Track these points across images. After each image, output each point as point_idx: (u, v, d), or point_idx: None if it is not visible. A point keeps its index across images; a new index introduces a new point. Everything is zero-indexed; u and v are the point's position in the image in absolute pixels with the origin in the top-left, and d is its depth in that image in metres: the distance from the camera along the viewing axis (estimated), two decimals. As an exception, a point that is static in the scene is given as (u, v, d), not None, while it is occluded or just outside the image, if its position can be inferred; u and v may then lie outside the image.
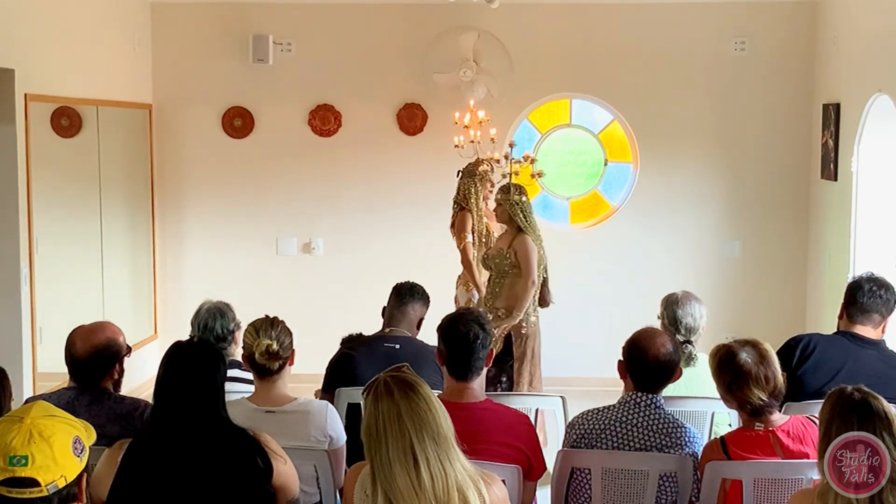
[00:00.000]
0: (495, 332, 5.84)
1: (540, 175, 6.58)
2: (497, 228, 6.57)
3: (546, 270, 6.03)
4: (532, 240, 5.89)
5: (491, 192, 6.58)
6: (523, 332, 5.95)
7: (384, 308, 4.81)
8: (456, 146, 6.86)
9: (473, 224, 6.49)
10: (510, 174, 6.28)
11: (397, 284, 4.83)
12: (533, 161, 6.45)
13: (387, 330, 4.71)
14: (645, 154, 8.05)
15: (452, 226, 6.65)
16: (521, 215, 5.89)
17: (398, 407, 2.51)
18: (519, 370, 5.98)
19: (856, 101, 6.78)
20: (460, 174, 6.61)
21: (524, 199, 5.93)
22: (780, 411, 3.47)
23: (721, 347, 3.49)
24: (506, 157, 6.33)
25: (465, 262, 6.49)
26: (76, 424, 2.22)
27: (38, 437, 2.11)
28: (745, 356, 3.40)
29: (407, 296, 4.74)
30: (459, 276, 6.63)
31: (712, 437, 4.26)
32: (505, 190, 6.01)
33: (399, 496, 2.47)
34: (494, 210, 6.12)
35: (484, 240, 6.58)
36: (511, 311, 5.91)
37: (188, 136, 8.14)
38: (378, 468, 2.51)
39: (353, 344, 4.63)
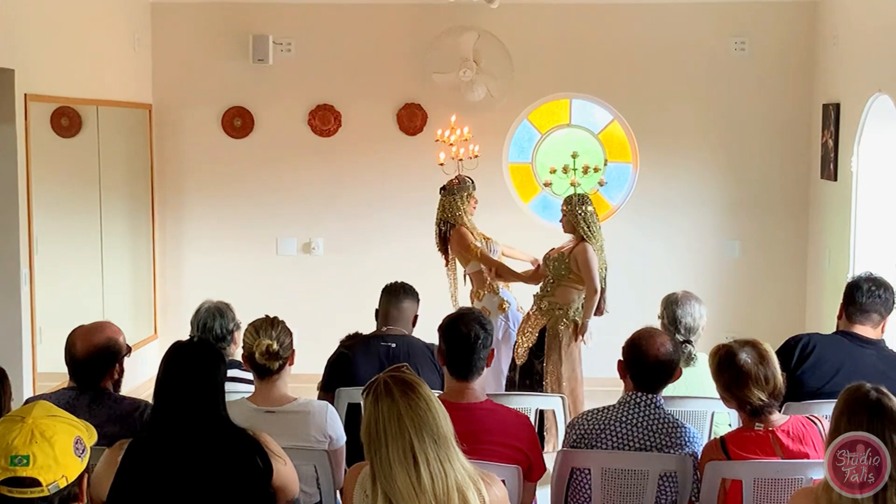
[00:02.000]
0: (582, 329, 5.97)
1: (601, 184, 6.51)
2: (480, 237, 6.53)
3: (605, 280, 6.03)
4: (594, 249, 5.92)
5: (475, 207, 6.57)
6: (560, 327, 5.97)
7: (377, 311, 4.81)
8: (440, 164, 6.80)
9: (474, 236, 6.47)
10: (574, 185, 6.21)
11: (388, 285, 4.84)
12: (596, 170, 6.39)
13: (384, 329, 4.71)
14: (645, 154, 8.05)
15: (442, 245, 6.57)
16: (584, 225, 5.94)
17: (398, 407, 2.51)
18: (548, 368, 5.99)
19: (856, 101, 6.78)
20: (443, 192, 6.57)
21: (588, 208, 5.96)
22: (779, 411, 3.47)
23: (721, 347, 3.49)
24: (564, 170, 6.25)
25: (490, 261, 6.42)
26: (77, 425, 2.22)
27: (40, 437, 2.12)
28: (745, 356, 3.40)
29: (400, 294, 4.75)
30: (473, 292, 6.51)
31: (712, 437, 4.27)
32: (568, 201, 6.02)
33: (399, 496, 2.47)
34: (560, 220, 6.10)
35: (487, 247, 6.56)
36: (554, 309, 5.98)
37: (188, 136, 8.14)
38: (378, 468, 2.51)
39: (350, 343, 4.64)
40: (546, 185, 6.49)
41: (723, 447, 3.40)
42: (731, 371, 3.41)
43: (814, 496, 2.65)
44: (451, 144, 6.83)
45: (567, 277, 5.98)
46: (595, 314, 6.05)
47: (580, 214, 5.95)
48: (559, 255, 6.04)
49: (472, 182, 6.55)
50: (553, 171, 6.28)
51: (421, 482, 2.47)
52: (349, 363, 4.49)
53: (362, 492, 2.59)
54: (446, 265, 6.60)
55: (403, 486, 2.46)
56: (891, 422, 2.58)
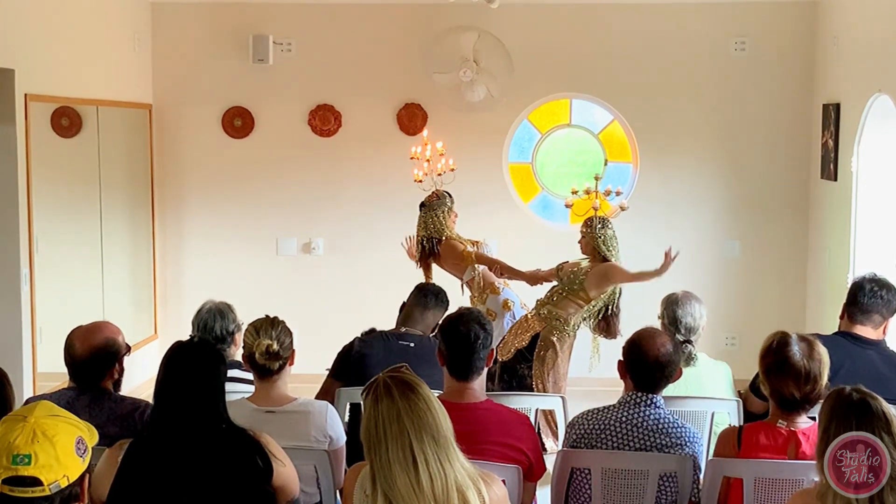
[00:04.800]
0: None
1: (623, 208, 6.48)
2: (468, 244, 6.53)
3: (617, 304, 6.01)
4: None
5: (455, 221, 6.58)
6: (553, 338, 5.97)
7: (403, 303, 4.83)
8: (417, 181, 6.80)
9: (463, 243, 6.49)
10: (595, 207, 6.18)
11: (422, 285, 4.89)
12: (618, 194, 6.35)
13: (402, 329, 4.75)
14: (645, 154, 8.05)
15: (423, 261, 6.57)
16: (604, 248, 5.92)
17: (397, 407, 2.51)
18: (534, 372, 6.00)
19: (856, 101, 6.78)
20: (422, 209, 6.57)
21: (608, 232, 5.95)
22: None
23: (778, 332, 3.45)
24: (587, 192, 6.21)
25: (489, 259, 6.45)
26: (79, 425, 2.22)
27: (42, 437, 2.12)
28: (797, 347, 3.36)
29: (432, 301, 4.79)
30: (472, 298, 6.50)
31: (712, 437, 4.27)
32: (588, 223, 6.01)
33: (399, 497, 2.47)
34: (579, 241, 6.09)
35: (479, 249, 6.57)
36: (552, 318, 5.98)
37: (188, 136, 8.14)
38: (378, 469, 2.51)
39: (368, 337, 4.66)
40: (567, 205, 6.46)
41: (739, 434, 3.40)
42: (776, 356, 3.37)
43: (812, 497, 2.65)
44: (426, 160, 6.84)
45: (576, 293, 5.98)
46: (608, 336, 6.06)
47: (599, 238, 5.94)
48: (577, 267, 6.04)
49: (451, 196, 6.57)
50: (574, 192, 6.24)
51: (420, 483, 2.47)
52: (365, 356, 4.50)
53: (362, 492, 2.59)
54: (427, 280, 6.60)
55: (403, 486, 2.46)
56: (879, 421, 2.58)
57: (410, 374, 2.62)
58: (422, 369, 4.46)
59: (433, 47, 7.80)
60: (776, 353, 3.38)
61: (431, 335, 4.80)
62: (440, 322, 3.70)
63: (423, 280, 6.58)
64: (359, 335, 4.70)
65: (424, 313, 4.77)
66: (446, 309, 4.86)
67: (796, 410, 3.36)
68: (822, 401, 2.80)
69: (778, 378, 3.35)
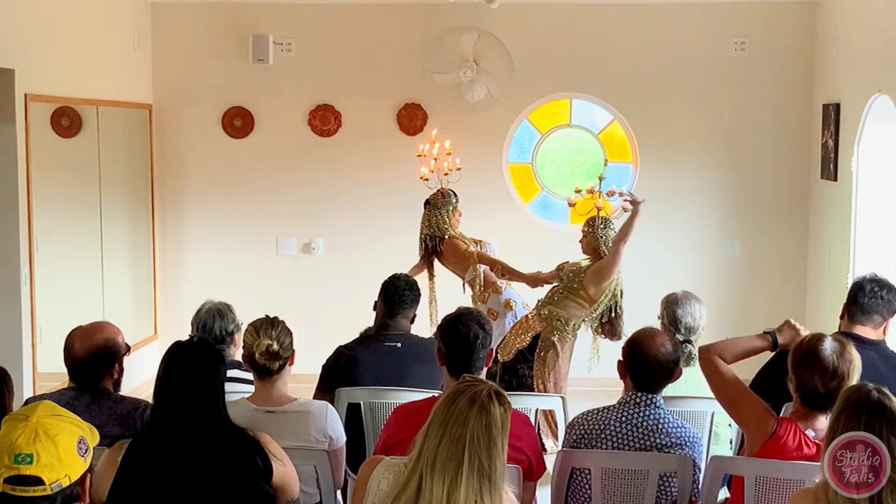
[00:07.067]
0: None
1: (625, 210, 6.48)
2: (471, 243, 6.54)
3: (620, 306, 6.02)
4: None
5: (459, 220, 6.59)
6: (554, 338, 5.97)
7: (375, 303, 4.77)
8: (423, 179, 6.80)
9: (465, 242, 6.50)
10: (598, 207, 6.16)
11: (390, 286, 4.72)
12: (621, 195, 6.36)
13: (382, 330, 4.70)
14: (645, 154, 8.05)
15: (427, 259, 6.58)
16: (605, 248, 5.93)
17: (468, 415, 2.51)
18: (535, 373, 6.01)
19: (856, 101, 6.78)
20: (427, 207, 6.57)
21: (609, 232, 5.95)
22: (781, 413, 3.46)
23: (815, 333, 3.44)
24: (590, 192, 6.20)
25: (490, 259, 6.46)
26: (81, 424, 2.23)
27: (44, 436, 2.12)
28: (829, 345, 3.34)
29: (399, 306, 4.66)
30: (474, 297, 6.50)
31: (712, 437, 4.27)
32: (590, 223, 6.01)
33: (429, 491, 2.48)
34: (580, 241, 6.10)
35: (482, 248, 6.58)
36: (553, 319, 5.99)
37: (188, 136, 8.14)
38: (424, 452, 2.52)
39: (352, 345, 4.62)
40: (570, 204, 6.45)
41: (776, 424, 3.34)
42: (807, 349, 3.36)
43: (813, 496, 2.65)
44: (434, 158, 6.85)
45: (577, 292, 5.98)
46: (613, 339, 6.06)
47: (601, 238, 5.95)
48: (577, 267, 6.05)
49: (456, 195, 6.58)
50: (578, 191, 6.24)
51: (449, 494, 2.46)
52: (352, 364, 4.47)
53: (377, 485, 2.60)
54: (430, 279, 6.59)
55: (436, 488, 2.46)
56: (889, 422, 2.57)
57: (501, 406, 2.58)
58: (414, 367, 4.45)
59: (433, 47, 7.81)
60: (807, 346, 3.37)
61: (429, 336, 4.79)
62: (440, 322, 3.69)
63: (441, 271, 6.60)
64: (341, 345, 4.65)
65: (396, 317, 4.67)
66: (418, 299, 4.76)
67: (819, 408, 3.32)
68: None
69: (805, 370, 3.33)
